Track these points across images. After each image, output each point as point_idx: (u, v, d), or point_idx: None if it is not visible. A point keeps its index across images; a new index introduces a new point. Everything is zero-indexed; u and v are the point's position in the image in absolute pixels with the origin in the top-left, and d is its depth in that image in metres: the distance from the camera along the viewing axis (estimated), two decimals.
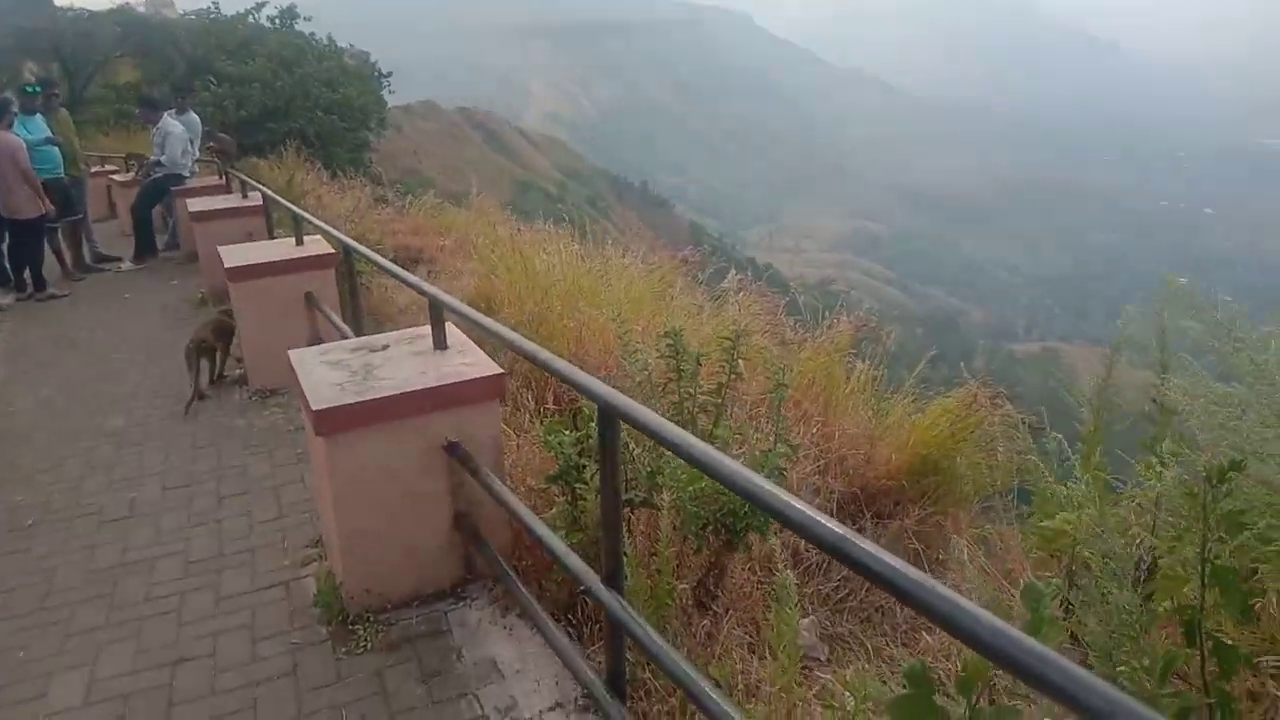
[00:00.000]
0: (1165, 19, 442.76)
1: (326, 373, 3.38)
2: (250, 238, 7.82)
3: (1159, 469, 2.27)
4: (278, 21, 22.92)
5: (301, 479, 4.60)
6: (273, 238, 7.55)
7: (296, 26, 23.09)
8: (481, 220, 10.30)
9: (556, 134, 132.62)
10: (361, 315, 5.29)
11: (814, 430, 4.16)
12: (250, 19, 22.61)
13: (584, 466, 3.17)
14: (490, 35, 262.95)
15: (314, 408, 3.06)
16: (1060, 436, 3.07)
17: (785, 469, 3.35)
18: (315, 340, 5.52)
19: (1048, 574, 2.72)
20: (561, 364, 2.39)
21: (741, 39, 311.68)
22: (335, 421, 3.07)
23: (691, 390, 3.32)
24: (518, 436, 4.05)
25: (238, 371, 6.24)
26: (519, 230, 8.69)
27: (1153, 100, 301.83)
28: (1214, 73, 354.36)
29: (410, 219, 11.39)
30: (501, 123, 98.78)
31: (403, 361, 3.50)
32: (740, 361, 3.37)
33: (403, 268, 4.33)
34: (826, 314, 4.88)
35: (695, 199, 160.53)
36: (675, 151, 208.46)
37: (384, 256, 4.54)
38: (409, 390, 3.18)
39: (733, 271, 4.89)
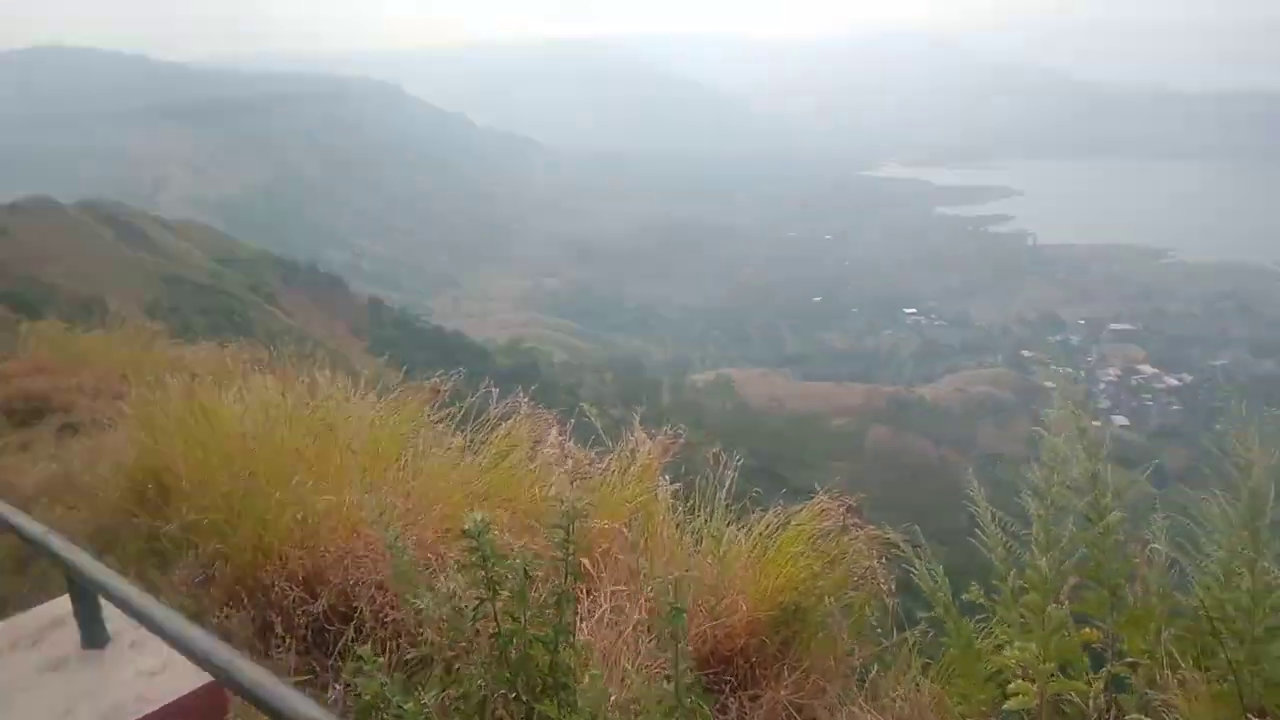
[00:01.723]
0: (780, 77, 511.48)
1: None
2: None
3: None
4: None
5: None
6: None
7: None
8: (131, 343, 8.24)
9: (203, 219, 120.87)
10: None
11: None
12: None
13: None
14: (113, 121, 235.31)
15: None
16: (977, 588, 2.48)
17: None
18: None
19: None
20: None
21: (392, 108, 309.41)
22: None
23: (520, 617, 2.30)
24: None
25: None
26: (182, 355, 6.93)
27: (774, 146, 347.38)
28: (822, 119, 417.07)
29: (29, 353, 8.81)
30: (136, 214, 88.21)
31: (12, 698, 1.91)
32: (581, 559, 2.41)
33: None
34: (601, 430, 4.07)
35: (371, 273, 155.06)
36: (341, 227, 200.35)
37: None
38: None
39: (495, 391, 3.86)
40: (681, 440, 3.38)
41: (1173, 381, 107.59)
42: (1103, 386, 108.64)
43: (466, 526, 2.28)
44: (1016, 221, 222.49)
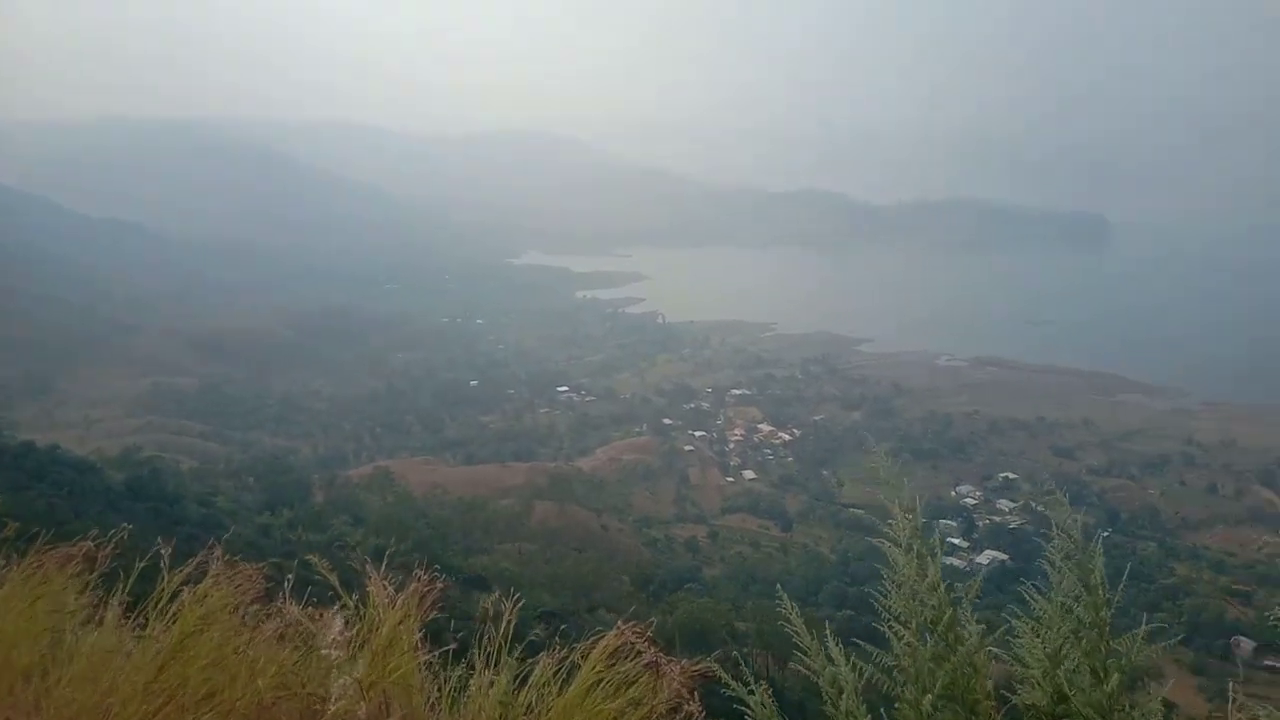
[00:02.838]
0: (416, 169, 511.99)
1: None
2: None
3: None
4: None
5: None
6: None
7: None
8: None
9: None
10: None
11: None
12: None
13: None
14: None
15: None
16: None
17: None
18: None
19: None
20: None
21: None
22: None
23: None
24: None
25: None
26: None
27: (417, 236, 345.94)
28: (461, 211, 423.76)
29: None
30: None
31: None
32: None
33: None
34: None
35: None
36: None
37: None
38: None
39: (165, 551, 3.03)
40: (440, 584, 2.84)
41: (786, 436, 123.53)
42: (732, 445, 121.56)
43: None
44: (647, 303, 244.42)
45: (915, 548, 2.95)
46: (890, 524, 3.07)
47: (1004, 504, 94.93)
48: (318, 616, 2.78)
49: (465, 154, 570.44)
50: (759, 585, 67.57)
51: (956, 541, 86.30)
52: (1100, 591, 2.58)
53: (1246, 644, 56.03)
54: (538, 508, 78.15)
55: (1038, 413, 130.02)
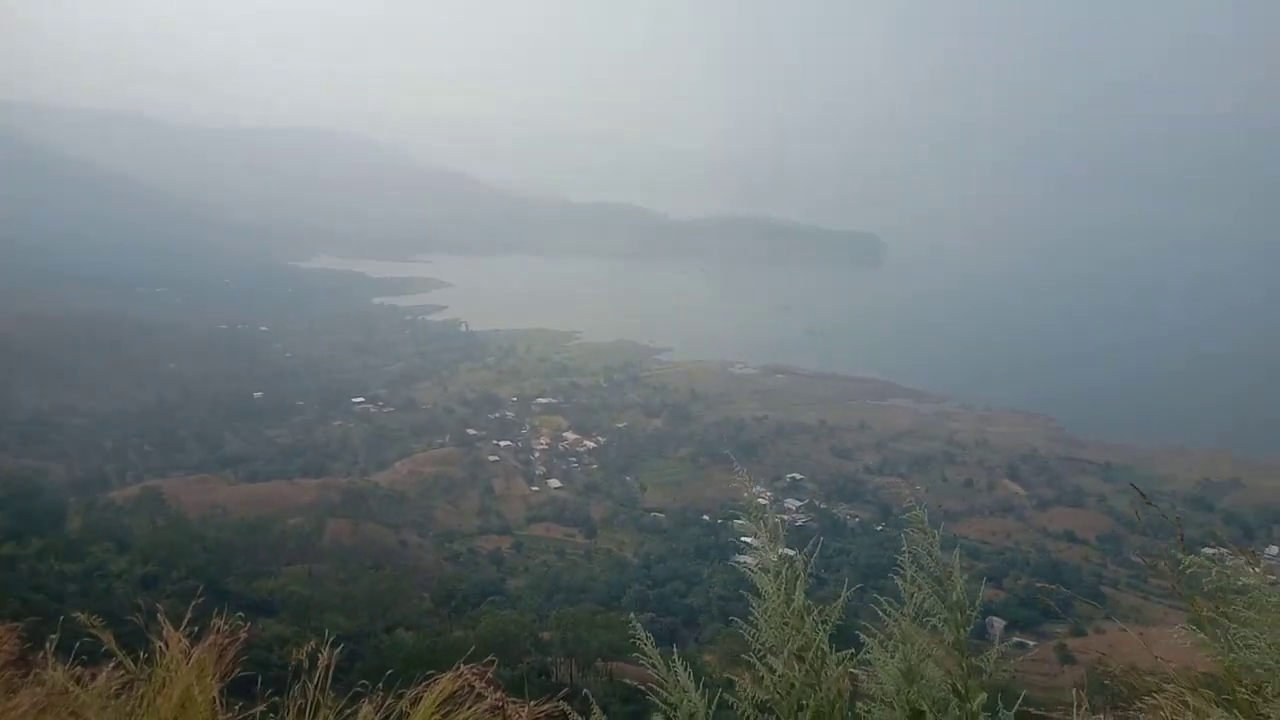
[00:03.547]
0: (192, 164, 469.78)
1: None
2: None
3: None
4: None
5: None
6: None
7: None
8: None
9: None
10: None
11: None
12: None
13: None
14: None
15: None
16: None
17: None
18: None
19: None
20: None
21: None
22: None
23: None
24: None
25: None
26: None
27: (192, 236, 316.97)
28: (244, 211, 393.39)
29: None
30: None
31: None
32: None
33: None
34: None
35: None
36: None
37: None
38: None
39: None
40: (245, 633, 2.42)
41: (590, 444, 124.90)
42: (537, 454, 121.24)
43: None
44: (450, 311, 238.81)
45: (782, 573, 2.98)
46: (756, 547, 3.11)
47: (791, 503, 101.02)
48: (89, 679, 2.36)
49: (251, 149, 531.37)
50: (563, 594, 67.82)
51: (751, 540, 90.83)
52: (960, 610, 2.68)
53: (998, 623, 63.19)
54: (330, 526, 74.23)
55: (820, 416, 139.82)
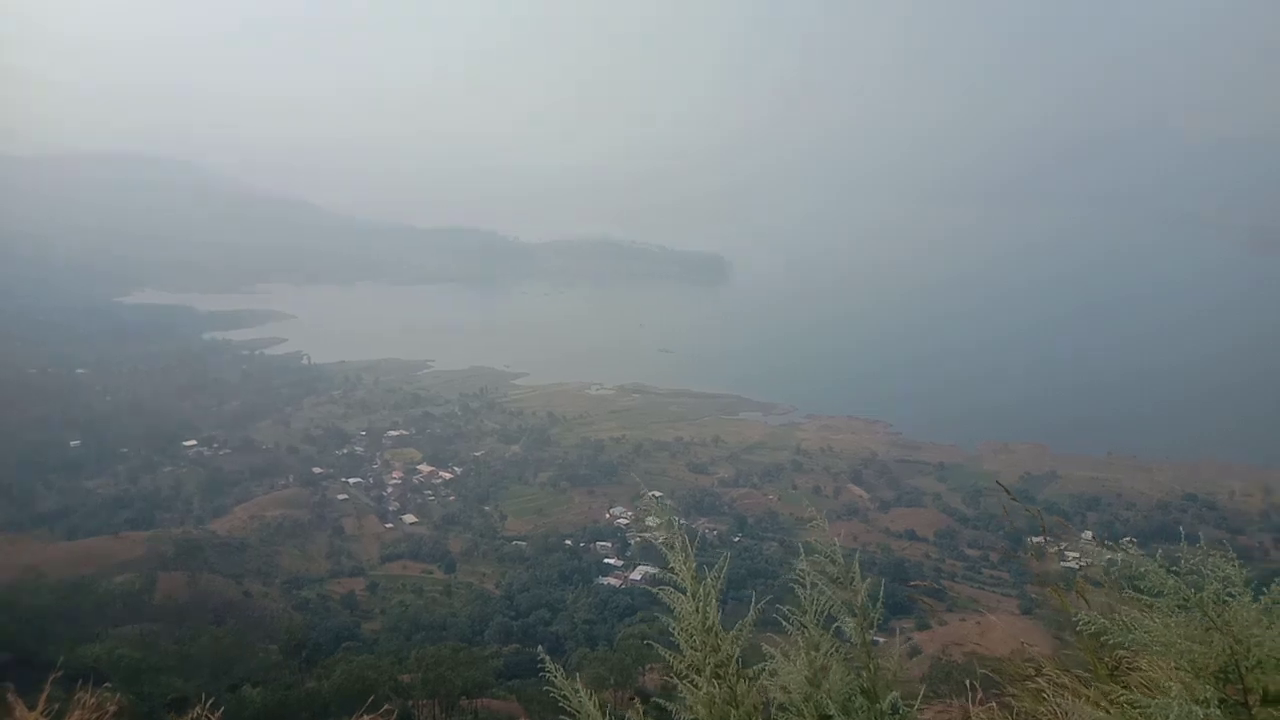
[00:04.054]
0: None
1: None
2: None
3: None
4: None
5: None
6: None
7: None
8: None
9: None
10: None
11: None
12: None
13: None
14: None
15: None
16: None
17: None
18: None
19: None
20: None
21: None
22: None
23: None
24: None
25: None
26: None
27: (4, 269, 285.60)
28: (54, 242, 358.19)
29: None
30: None
31: None
32: None
33: None
34: None
35: None
36: None
37: None
38: None
39: None
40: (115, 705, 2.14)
41: (447, 475, 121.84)
42: (390, 490, 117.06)
43: None
44: (290, 344, 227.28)
45: (697, 593, 3.07)
46: (671, 569, 3.20)
47: (653, 520, 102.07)
48: None
49: (60, 177, 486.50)
50: (423, 633, 65.62)
51: (612, 561, 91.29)
52: (865, 613, 2.85)
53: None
54: (163, 581, 68.88)
55: (675, 433, 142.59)
